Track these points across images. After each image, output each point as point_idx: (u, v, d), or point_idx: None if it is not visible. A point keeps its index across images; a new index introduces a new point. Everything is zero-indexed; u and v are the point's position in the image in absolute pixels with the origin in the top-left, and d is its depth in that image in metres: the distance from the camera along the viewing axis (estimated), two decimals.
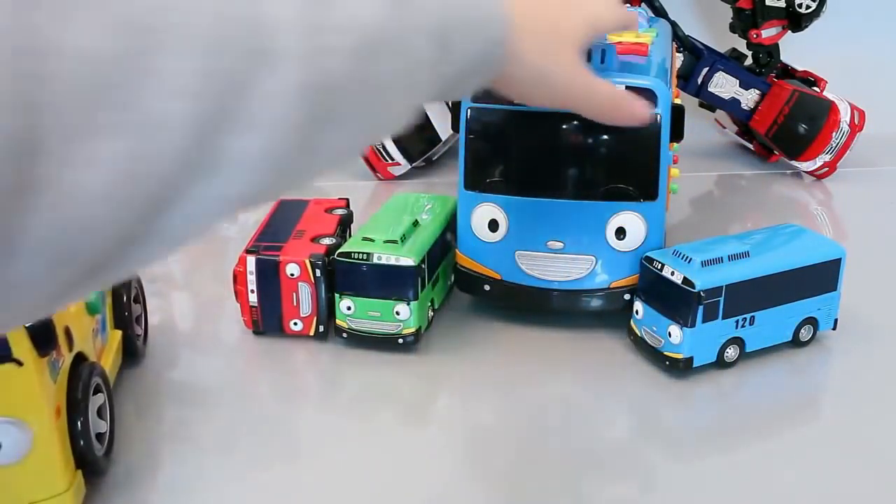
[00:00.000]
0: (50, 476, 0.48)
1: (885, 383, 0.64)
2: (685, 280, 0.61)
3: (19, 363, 0.45)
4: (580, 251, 0.66)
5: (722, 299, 0.62)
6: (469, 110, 0.66)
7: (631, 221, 0.65)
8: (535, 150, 0.66)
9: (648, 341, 0.65)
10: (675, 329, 0.62)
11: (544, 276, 0.67)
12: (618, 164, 0.65)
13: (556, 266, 0.67)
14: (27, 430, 0.46)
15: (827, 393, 0.66)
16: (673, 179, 0.68)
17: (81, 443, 0.50)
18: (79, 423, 0.50)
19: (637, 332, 0.66)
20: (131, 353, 0.65)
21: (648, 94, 0.63)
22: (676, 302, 0.62)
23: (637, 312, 0.66)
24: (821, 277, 0.66)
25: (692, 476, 0.55)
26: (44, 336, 0.46)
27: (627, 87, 0.63)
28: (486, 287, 0.69)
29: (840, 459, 0.56)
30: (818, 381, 0.67)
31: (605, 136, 0.65)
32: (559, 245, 0.66)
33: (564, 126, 0.65)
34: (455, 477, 0.55)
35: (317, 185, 1.10)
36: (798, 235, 0.69)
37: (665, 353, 0.63)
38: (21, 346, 0.45)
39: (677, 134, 0.65)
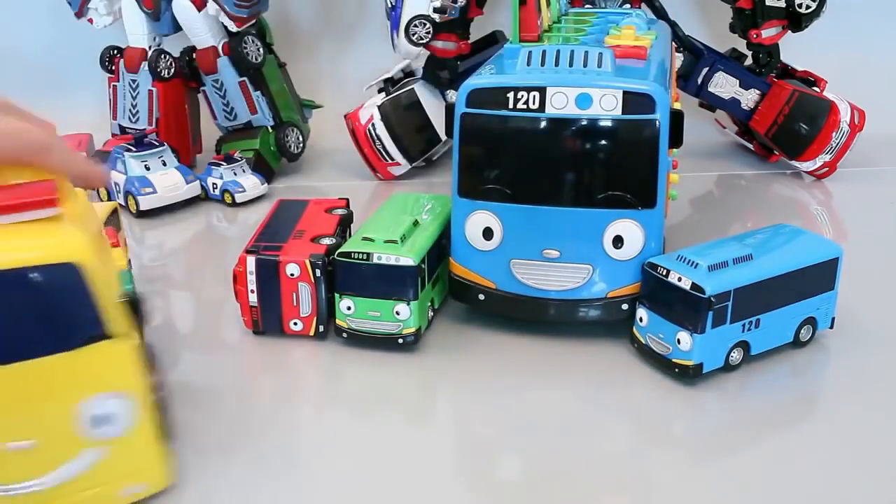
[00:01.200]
0: (147, 450, 0.50)
1: (886, 383, 0.64)
2: (694, 286, 0.61)
3: (119, 338, 0.47)
4: (577, 260, 0.66)
5: (730, 303, 0.62)
6: (463, 116, 0.66)
7: (629, 230, 0.65)
8: (530, 157, 0.65)
9: (655, 349, 0.64)
10: (684, 335, 0.62)
11: (540, 285, 0.67)
12: (615, 171, 0.65)
13: (552, 275, 0.66)
14: (130, 404, 0.48)
15: (829, 393, 0.66)
16: (672, 186, 0.68)
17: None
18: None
19: (641, 339, 0.66)
20: None
21: (647, 100, 0.62)
22: (685, 308, 0.62)
23: (641, 320, 0.66)
24: (820, 277, 0.66)
25: (701, 481, 0.55)
26: (139, 310, 0.48)
27: (625, 92, 0.63)
28: (481, 296, 0.69)
29: (845, 459, 0.56)
30: (821, 382, 0.67)
31: (603, 143, 0.64)
32: (555, 254, 0.66)
33: (561, 132, 0.64)
34: (455, 479, 0.55)
35: (317, 185, 1.11)
36: (796, 236, 0.69)
37: (674, 360, 0.63)
38: (120, 321, 0.46)
39: (676, 140, 0.64)
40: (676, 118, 0.64)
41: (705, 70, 1.10)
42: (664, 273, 0.63)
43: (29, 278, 0.43)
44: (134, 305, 0.47)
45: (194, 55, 1.11)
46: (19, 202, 0.44)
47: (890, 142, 1.16)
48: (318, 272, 0.67)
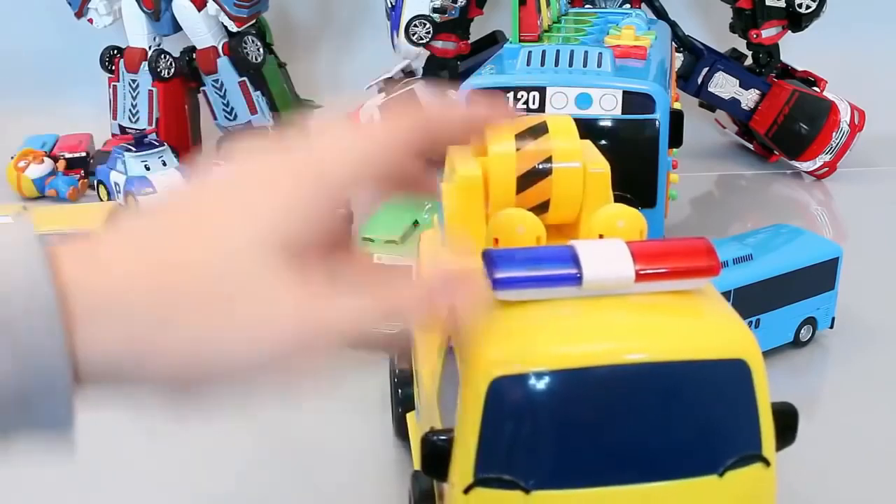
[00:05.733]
0: None
1: (886, 383, 0.64)
2: None
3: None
4: None
5: (730, 303, 0.62)
6: None
7: None
8: None
9: None
10: None
11: None
12: (615, 171, 0.64)
13: None
14: None
15: (829, 393, 0.66)
16: (672, 186, 0.68)
17: None
18: None
19: None
20: None
21: (647, 99, 0.62)
22: None
23: None
24: (820, 277, 0.66)
25: None
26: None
27: (625, 92, 0.63)
28: None
29: (845, 459, 0.56)
30: (821, 382, 0.67)
31: (602, 142, 0.64)
32: None
33: None
34: None
35: None
36: (796, 236, 0.69)
37: None
38: (772, 436, 0.36)
39: (676, 140, 0.64)
40: (676, 118, 0.64)
41: (705, 70, 1.10)
42: None
43: (694, 375, 0.33)
44: (782, 417, 0.37)
45: (194, 55, 1.11)
46: (682, 267, 0.34)
47: (890, 142, 1.16)
48: None
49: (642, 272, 0.33)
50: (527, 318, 0.33)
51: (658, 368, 0.32)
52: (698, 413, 0.33)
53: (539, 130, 0.43)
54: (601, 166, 0.45)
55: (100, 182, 1.03)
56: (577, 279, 0.33)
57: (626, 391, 0.32)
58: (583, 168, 0.43)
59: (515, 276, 0.33)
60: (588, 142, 0.45)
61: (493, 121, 0.37)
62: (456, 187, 0.41)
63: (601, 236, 0.38)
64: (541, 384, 0.31)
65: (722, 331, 0.34)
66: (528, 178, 0.42)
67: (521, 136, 0.43)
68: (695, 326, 0.34)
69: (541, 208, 0.42)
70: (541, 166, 0.42)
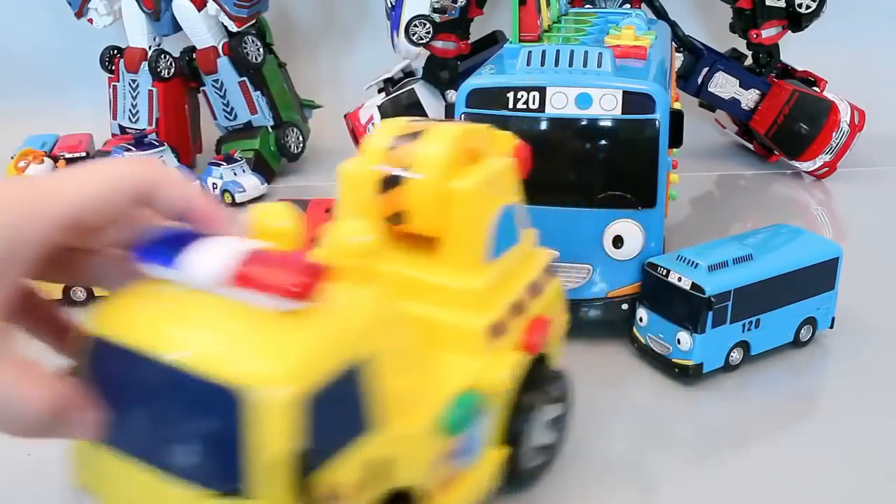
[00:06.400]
0: None
1: (886, 383, 0.64)
2: (694, 285, 0.61)
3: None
4: (577, 260, 0.66)
5: (730, 303, 0.62)
6: (463, 115, 0.66)
7: (629, 230, 0.65)
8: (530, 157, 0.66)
9: (655, 349, 0.64)
10: (684, 335, 0.62)
11: None
12: (615, 171, 0.65)
13: None
14: None
15: (829, 393, 0.66)
16: (672, 186, 0.68)
17: None
18: None
19: (641, 340, 0.66)
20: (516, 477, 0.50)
21: (647, 99, 0.62)
22: (685, 308, 0.62)
23: (641, 320, 0.66)
24: (820, 277, 0.66)
25: (701, 481, 0.55)
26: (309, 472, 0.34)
27: (625, 92, 0.63)
28: None
29: (845, 459, 0.56)
30: (821, 382, 0.67)
31: (603, 143, 0.64)
32: (555, 254, 0.66)
33: (561, 132, 0.64)
34: None
35: (317, 185, 1.11)
36: (796, 236, 0.69)
37: (674, 360, 0.63)
38: (275, 485, 0.32)
39: (676, 140, 0.64)
40: (676, 118, 0.64)
41: (705, 70, 1.10)
42: (664, 273, 0.63)
43: (193, 387, 0.32)
44: (306, 466, 0.33)
45: (194, 55, 1.11)
46: (271, 283, 0.33)
47: (890, 142, 1.16)
48: None
49: (231, 277, 0.33)
50: (132, 293, 0.36)
51: (163, 369, 0.33)
52: (188, 422, 0.33)
53: (417, 134, 0.42)
54: (471, 183, 0.43)
55: None
56: (169, 264, 0.35)
57: (138, 379, 0.34)
58: (438, 182, 0.41)
59: (141, 250, 0.35)
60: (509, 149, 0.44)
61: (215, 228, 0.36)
62: (339, 176, 0.42)
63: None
64: (88, 347, 0.35)
65: (242, 357, 0.32)
66: (387, 184, 0.42)
67: (401, 137, 0.42)
68: (226, 343, 0.33)
69: (399, 217, 0.42)
70: (397, 173, 0.42)
